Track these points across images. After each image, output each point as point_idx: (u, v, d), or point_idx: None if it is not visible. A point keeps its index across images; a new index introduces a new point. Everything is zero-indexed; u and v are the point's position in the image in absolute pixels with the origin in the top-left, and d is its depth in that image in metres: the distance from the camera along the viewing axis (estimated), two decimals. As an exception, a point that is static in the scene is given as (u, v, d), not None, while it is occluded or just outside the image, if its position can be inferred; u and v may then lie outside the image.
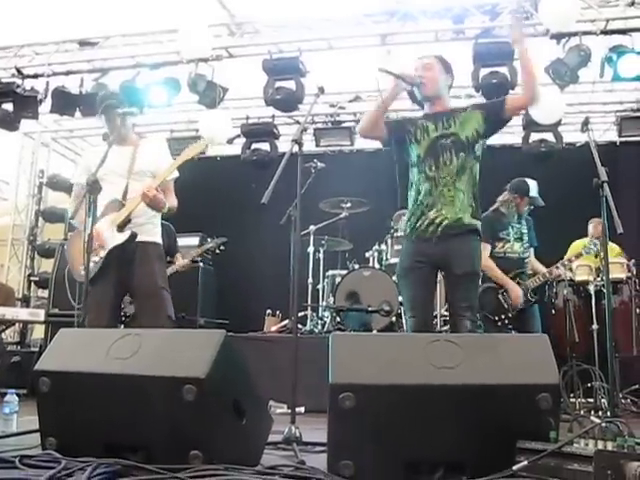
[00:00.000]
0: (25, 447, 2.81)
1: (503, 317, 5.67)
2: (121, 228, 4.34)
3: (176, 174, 4.58)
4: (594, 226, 6.83)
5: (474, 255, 4.01)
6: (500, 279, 5.68)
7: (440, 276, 4.42)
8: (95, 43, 8.25)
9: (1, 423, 3.66)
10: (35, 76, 8.25)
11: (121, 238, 4.34)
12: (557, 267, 5.79)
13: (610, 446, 2.17)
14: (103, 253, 4.35)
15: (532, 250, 6.00)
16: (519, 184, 5.89)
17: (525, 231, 5.86)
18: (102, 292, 4.33)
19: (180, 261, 6.66)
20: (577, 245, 6.62)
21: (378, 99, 4.03)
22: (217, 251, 7.83)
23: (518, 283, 5.71)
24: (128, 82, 7.83)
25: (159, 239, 4.62)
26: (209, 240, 7.71)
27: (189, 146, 4.48)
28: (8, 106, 8.17)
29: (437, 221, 3.91)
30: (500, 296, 5.69)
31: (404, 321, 6.40)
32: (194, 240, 7.70)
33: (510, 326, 5.66)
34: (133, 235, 4.35)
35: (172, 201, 4.56)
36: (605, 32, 6.87)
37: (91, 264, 4.30)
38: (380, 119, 4.09)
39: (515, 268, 5.78)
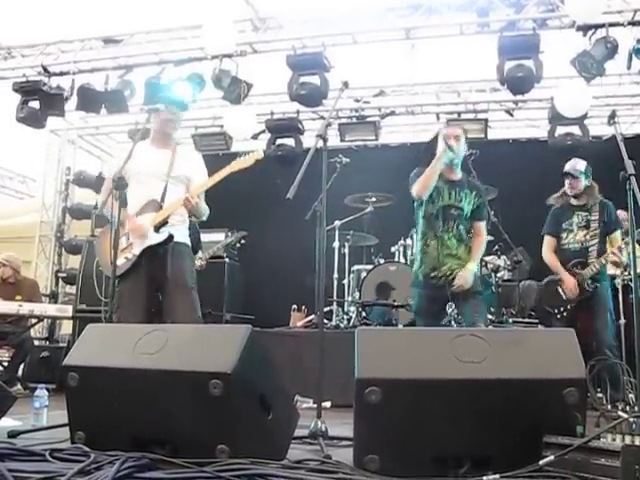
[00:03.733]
0: (55, 441, 2.85)
1: (562, 310, 5.47)
2: (158, 229, 4.38)
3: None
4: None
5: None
6: (556, 271, 5.56)
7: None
8: (119, 40, 8.31)
9: (31, 417, 3.72)
10: (61, 74, 8.32)
11: (158, 238, 4.38)
12: (613, 253, 5.36)
13: (638, 441, 2.15)
14: (137, 251, 4.38)
15: (618, 233, 5.59)
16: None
17: (594, 218, 5.53)
18: (134, 287, 4.36)
19: (197, 262, 6.65)
20: (611, 237, 6.45)
21: (437, 164, 4.72)
22: (238, 244, 7.87)
23: (574, 274, 5.45)
24: (152, 79, 7.86)
25: (188, 241, 4.68)
26: (229, 234, 7.75)
27: (238, 158, 4.55)
28: (35, 104, 8.24)
29: (448, 274, 4.74)
30: (559, 288, 5.51)
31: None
32: (220, 236, 7.73)
33: (567, 319, 5.42)
34: (170, 237, 4.40)
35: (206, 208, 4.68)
36: (632, 23, 6.73)
37: (123, 260, 4.35)
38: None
39: (574, 258, 5.51)
